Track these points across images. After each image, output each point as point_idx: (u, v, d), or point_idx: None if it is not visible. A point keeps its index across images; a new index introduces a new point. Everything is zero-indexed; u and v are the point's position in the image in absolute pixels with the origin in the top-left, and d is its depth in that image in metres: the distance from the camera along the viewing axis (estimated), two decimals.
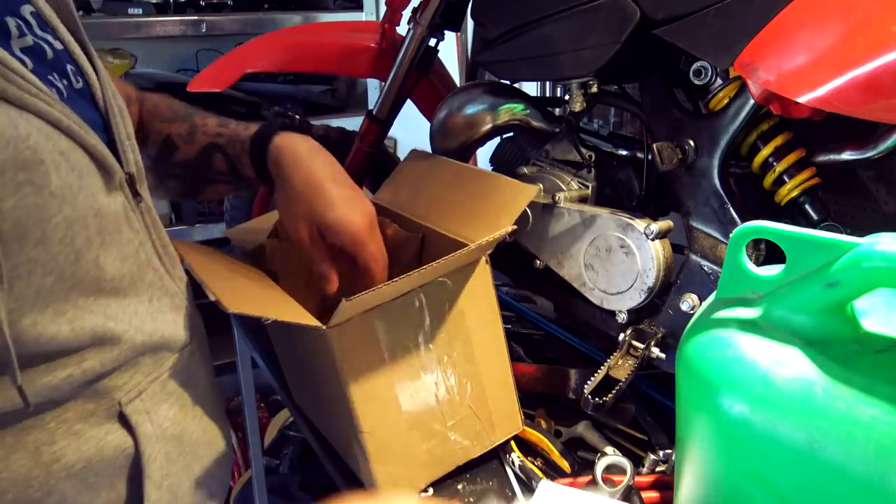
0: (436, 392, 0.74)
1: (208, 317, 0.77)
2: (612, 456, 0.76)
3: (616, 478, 0.74)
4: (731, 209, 0.78)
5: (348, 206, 0.69)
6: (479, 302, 0.75)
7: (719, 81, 0.78)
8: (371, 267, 0.71)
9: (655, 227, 0.79)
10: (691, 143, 0.79)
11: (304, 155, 0.71)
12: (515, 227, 0.73)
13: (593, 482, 0.75)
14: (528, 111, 0.98)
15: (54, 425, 0.53)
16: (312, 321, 0.62)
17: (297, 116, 0.90)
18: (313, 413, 0.89)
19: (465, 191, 0.80)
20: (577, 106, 0.91)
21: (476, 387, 0.77)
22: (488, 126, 0.99)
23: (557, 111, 1.05)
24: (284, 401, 0.98)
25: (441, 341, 0.73)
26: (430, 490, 0.77)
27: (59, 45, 0.55)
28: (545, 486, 0.74)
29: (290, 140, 0.72)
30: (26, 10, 0.53)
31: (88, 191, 0.52)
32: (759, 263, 0.62)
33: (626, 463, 0.74)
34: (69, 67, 0.55)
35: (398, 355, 0.70)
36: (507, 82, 1.05)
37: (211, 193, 0.79)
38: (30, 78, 0.48)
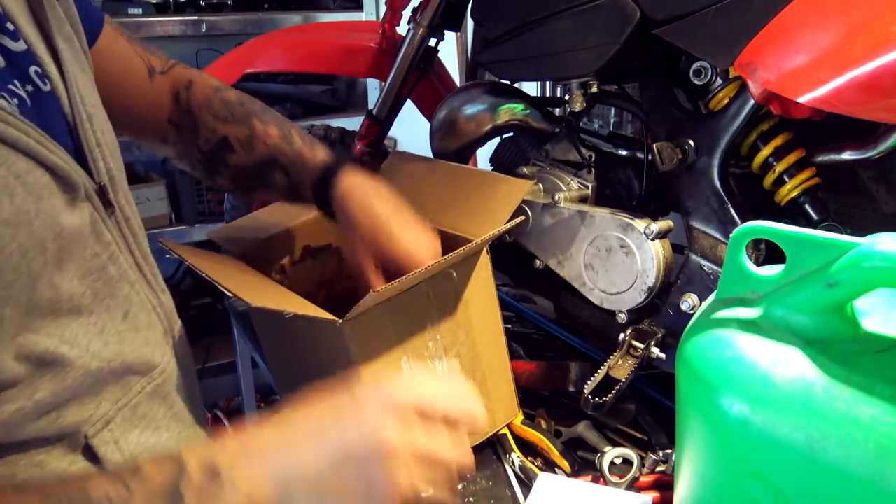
0: None
1: (206, 318, 0.77)
2: (618, 448, 0.77)
3: (621, 473, 0.74)
4: (731, 209, 0.78)
5: (415, 242, 0.71)
6: (481, 292, 0.77)
7: (719, 81, 0.78)
8: None
9: (655, 227, 0.79)
10: (691, 143, 0.79)
11: (370, 196, 0.72)
12: (523, 217, 0.74)
13: (600, 475, 0.75)
14: (528, 111, 0.98)
15: (15, 458, 0.50)
16: (328, 315, 0.63)
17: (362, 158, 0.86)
18: None
19: (459, 188, 0.82)
20: (577, 106, 0.91)
21: (479, 374, 0.78)
22: (488, 126, 0.99)
23: (557, 111, 1.05)
24: (284, 400, 0.98)
25: (447, 330, 0.74)
26: (430, 490, 0.77)
27: (21, 46, 0.51)
28: (544, 478, 0.75)
29: (357, 180, 0.73)
30: None
31: (48, 213, 0.48)
32: (759, 263, 0.62)
33: (632, 454, 0.75)
34: (34, 70, 0.51)
35: (408, 345, 0.72)
36: (507, 82, 1.05)
37: (262, 197, 0.78)
38: None
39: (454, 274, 0.74)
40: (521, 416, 0.85)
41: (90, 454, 0.54)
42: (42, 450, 0.51)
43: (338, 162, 0.74)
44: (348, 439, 0.46)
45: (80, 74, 0.57)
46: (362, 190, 0.72)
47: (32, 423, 0.50)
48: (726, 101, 0.78)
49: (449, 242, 0.75)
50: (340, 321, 0.63)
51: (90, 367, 0.53)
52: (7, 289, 0.45)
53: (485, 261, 0.77)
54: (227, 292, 0.63)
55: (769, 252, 0.78)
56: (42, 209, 0.48)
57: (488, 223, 0.74)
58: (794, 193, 0.78)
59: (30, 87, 0.51)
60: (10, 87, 0.49)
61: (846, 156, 0.76)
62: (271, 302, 0.64)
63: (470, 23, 1.04)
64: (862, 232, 0.47)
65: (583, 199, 0.91)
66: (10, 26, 0.51)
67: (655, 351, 0.82)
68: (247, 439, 0.47)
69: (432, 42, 1.15)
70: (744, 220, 0.77)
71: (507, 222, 0.72)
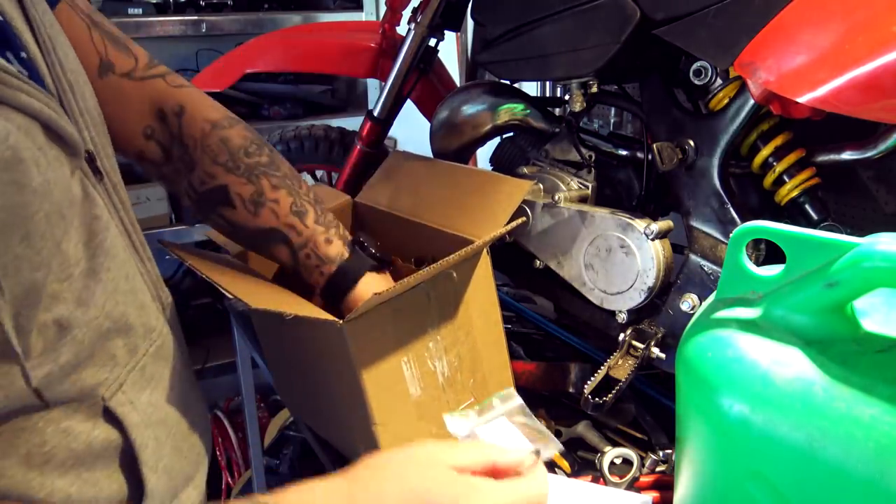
0: (442, 381, 0.75)
1: (206, 318, 0.77)
2: (618, 448, 0.77)
3: (621, 473, 0.74)
4: (731, 209, 0.78)
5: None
6: (482, 292, 0.77)
7: (719, 81, 0.78)
8: None
9: (655, 227, 0.79)
10: (691, 143, 0.79)
11: None
12: (524, 218, 0.74)
13: (600, 475, 0.75)
14: (528, 111, 0.98)
15: (42, 425, 0.52)
16: (329, 316, 0.63)
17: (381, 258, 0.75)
18: (309, 416, 0.89)
19: (460, 188, 0.82)
20: (577, 106, 0.91)
21: (479, 374, 0.78)
22: (488, 126, 0.99)
23: (557, 111, 1.05)
24: (284, 400, 0.98)
25: (447, 331, 0.74)
26: None
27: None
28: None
29: (372, 291, 0.69)
30: None
31: (63, 183, 0.50)
32: (759, 263, 0.62)
33: (632, 454, 0.75)
34: (10, 41, 0.52)
35: (408, 346, 0.72)
36: (507, 82, 1.04)
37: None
38: (9, 69, 0.46)
39: (454, 274, 0.74)
40: None
41: (110, 416, 0.56)
42: (66, 415, 0.53)
43: (354, 265, 0.70)
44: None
45: (59, 38, 0.56)
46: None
47: (59, 386, 0.52)
48: (726, 101, 0.78)
49: (449, 243, 0.75)
50: (341, 322, 0.63)
51: (102, 327, 0.55)
52: (38, 254, 0.48)
53: (485, 261, 0.77)
54: (226, 293, 0.63)
55: (769, 252, 0.78)
56: (59, 178, 0.49)
57: (489, 224, 0.74)
58: (794, 193, 0.78)
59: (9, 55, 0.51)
60: (7, 55, 0.49)
61: (846, 156, 0.76)
62: (271, 303, 0.64)
63: (470, 23, 1.04)
64: (862, 232, 0.47)
65: (583, 199, 0.91)
66: None
67: (655, 351, 0.82)
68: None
69: (432, 42, 1.15)
70: (744, 220, 0.77)
71: (508, 223, 0.72)
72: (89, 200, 0.56)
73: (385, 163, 0.95)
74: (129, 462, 0.58)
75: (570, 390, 0.89)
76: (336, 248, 0.71)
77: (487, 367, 0.79)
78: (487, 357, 0.79)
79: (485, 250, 0.77)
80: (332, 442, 0.85)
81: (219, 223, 0.74)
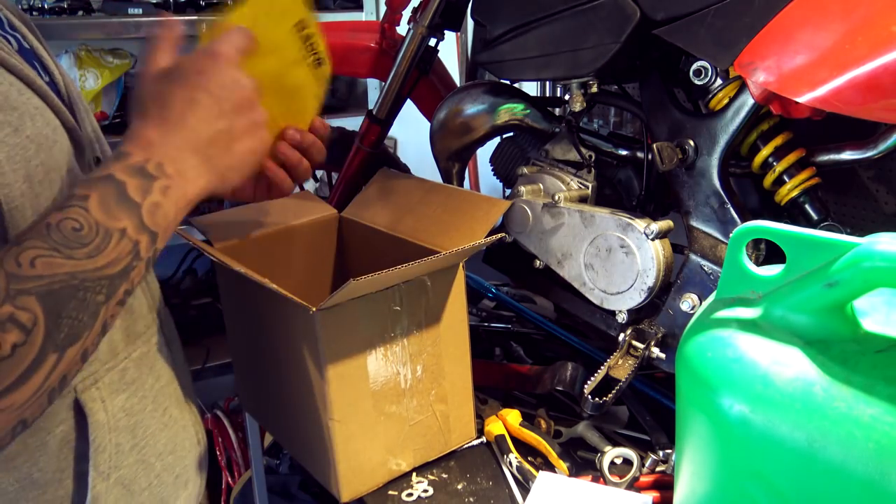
0: (405, 388, 0.76)
1: (206, 318, 0.78)
2: (618, 448, 0.78)
3: (621, 473, 0.75)
4: (731, 209, 0.78)
5: None
6: (453, 307, 0.78)
7: (719, 81, 0.78)
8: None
9: (655, 227, 0.79)
10: (691, 142, 0.79)
11: None
12: (502, 234, 0.79)
13: (600, 475, 0.75)
14: (527, 111, 0.98)
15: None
16: (303, 301, 0.65)
17: None
18: (271, 419, 0.90)
19: (441, 206, 0.85)
20: (577, 106, 0.90)
21: (441, 389, 0.79)
22: (488, 126, 0.99)
23: (557, 111, 1.05)
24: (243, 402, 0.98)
25: (414, 338, 0.75)
26: (425, 485, 0.77)
27: (25, 45, 0.58)
28: (544, 476, 0.75)
29: None
30: None
31: (62, 146, 0.54)
32: (759, 263, 0.62)
33: (632, 454, 0.75)
34: (35, 63, 0.58)
35: (375, 346, 0.72)
36: (507, 82, 1.04)
37: None
38: (11, 51, 0.51)
39: (428, 283, 0.75)
40: (519, 417, 0.85)
41: (79, 410, 0.57)
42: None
43: None
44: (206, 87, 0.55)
45: (69, 81, 0.63)
46: None
47: None
48: (726, 101, 0.78)
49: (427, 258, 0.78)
50: (314, 309, 0.65)
51: None
52: (37, 198, 0.51)
53: (460, 278, 0.78)
54: (212, 257, 0.69)
55: (769, 252, 0.78)
56: (58, 140, 0.54)
57: (466, 240, 0.77)
58: (794, 193, 0.78)
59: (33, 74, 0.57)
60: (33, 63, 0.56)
61: (846, 156, 0.76)
62: (251, 273, 0.67)
63: (470, 23, 1.04)
64: (862, 232, 0.47)
65: (583, 199, 0.91)
66: (18, 31, 0.59)
67: (655, 351, 0.82)
68: (138, 134, 0.53)
69: (432, 42, 1.15)
70: (744, 220, 0.77)
71: (485, 238, 0.75)
72: None
73: (373, 180, 0.99)
74: (84, 470, 0.57)
75: (570, 390, 0.89)
76: None
77: (450, 383, 0.80)
78: (451, 373, 0.80)
79: (461, 270, 0.78)
80: (285, 445, 0.86)
81: None
